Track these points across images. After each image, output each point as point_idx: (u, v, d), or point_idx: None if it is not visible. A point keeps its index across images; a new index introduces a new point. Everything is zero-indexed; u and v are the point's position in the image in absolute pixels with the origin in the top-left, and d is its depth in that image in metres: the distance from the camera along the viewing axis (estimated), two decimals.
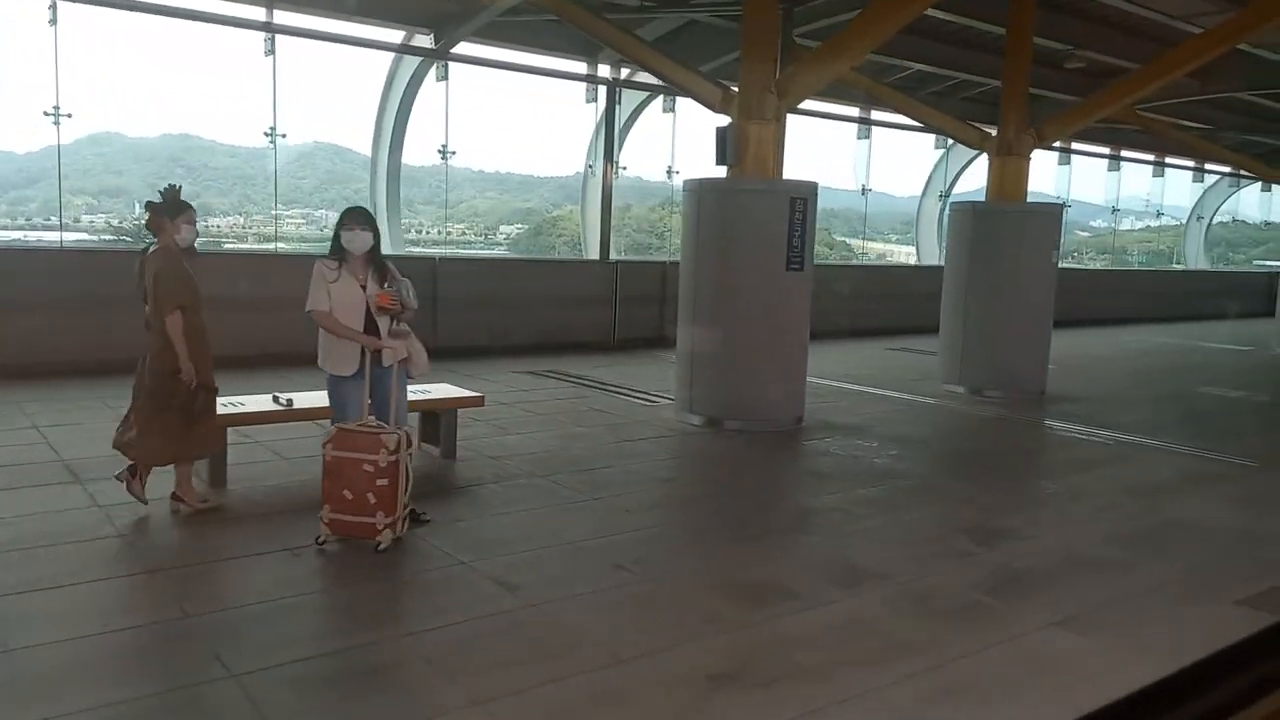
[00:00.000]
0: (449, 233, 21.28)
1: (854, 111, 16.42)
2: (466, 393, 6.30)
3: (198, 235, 4.94)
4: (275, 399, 5.67)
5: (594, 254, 13.44)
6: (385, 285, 4.73)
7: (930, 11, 12.46)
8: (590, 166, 13.59)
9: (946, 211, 15.79)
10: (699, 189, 7.68)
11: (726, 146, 7.64)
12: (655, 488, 5.70)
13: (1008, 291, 9.57)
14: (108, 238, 14.92)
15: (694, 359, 7.77)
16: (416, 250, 14.03)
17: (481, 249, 20.22)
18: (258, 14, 10.11)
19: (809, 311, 7.86)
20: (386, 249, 13.03)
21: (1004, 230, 9.60)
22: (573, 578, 4.13)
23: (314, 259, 4.76)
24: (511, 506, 5.17)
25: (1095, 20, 12.99)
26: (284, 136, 10.41)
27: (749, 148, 7.60)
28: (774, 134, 7.72)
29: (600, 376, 9.94)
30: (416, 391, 6.24)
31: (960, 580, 4.34)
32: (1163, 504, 5.78)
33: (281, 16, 10.25)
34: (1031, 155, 9.74)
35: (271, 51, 10.24)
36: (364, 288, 4.68)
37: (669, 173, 14.12)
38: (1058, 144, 19.68)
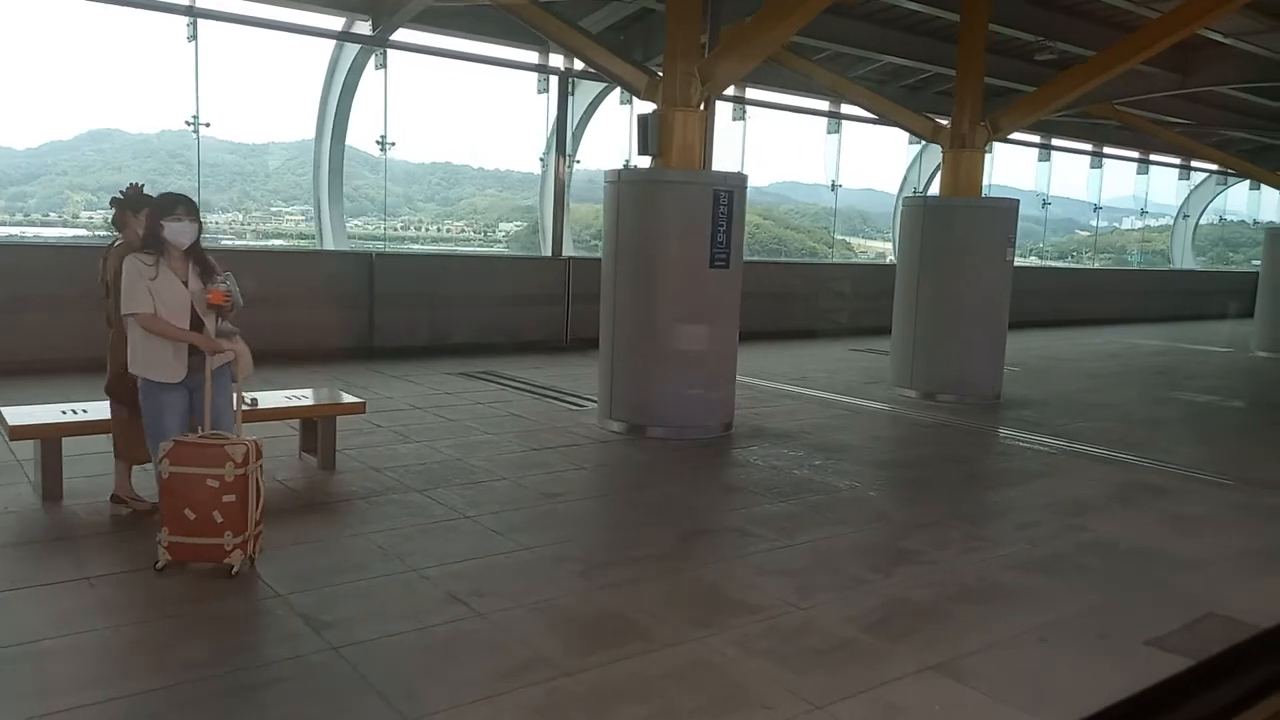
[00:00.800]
0: (447, 230, 20.95)
1: (824, 105, 15.98)
2: (347, 398, 5.84)
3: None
4: None
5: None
6: (219, 280, 4.28)
7: (903, 3, 12.06)
8: (542, 159, 13.12)
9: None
10: (617, 180, 7.22)
11: (649, 135, 7.18)
12: (540, 504, 5.24)
13: (960, 290, 9.10)
14: (103, 234, 14.83)
15: (614, 362, 7.32)
16: (362, 244, 13.54)
17: (480, 247, 19.94)
18: None
19: (737, 311, 7.40)
20: (329, 244, 12.70)
21: (957, 226, 9.13)
22: (398, 613, 3.67)
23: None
24: (368, 526, 4.71)
25: (1067, 11, 12.56)
26: (208, 126, 9.93)
27: (673, 137, 7.13)
28: (701, 122, 7.25)
29: (537, 379, 9.49)
30: (295, 397, 5.80)
31: (842, 613, 3.89)
32: (1092, 523, 5.32)
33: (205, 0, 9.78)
34: (986, 148, 9.28)
35: (194, 37, 9.78)
36: (186, 284, 4.21)
37: (626, 167, 13.65)
38: (1038, 139, 19.28)
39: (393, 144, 11.54)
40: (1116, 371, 12.38)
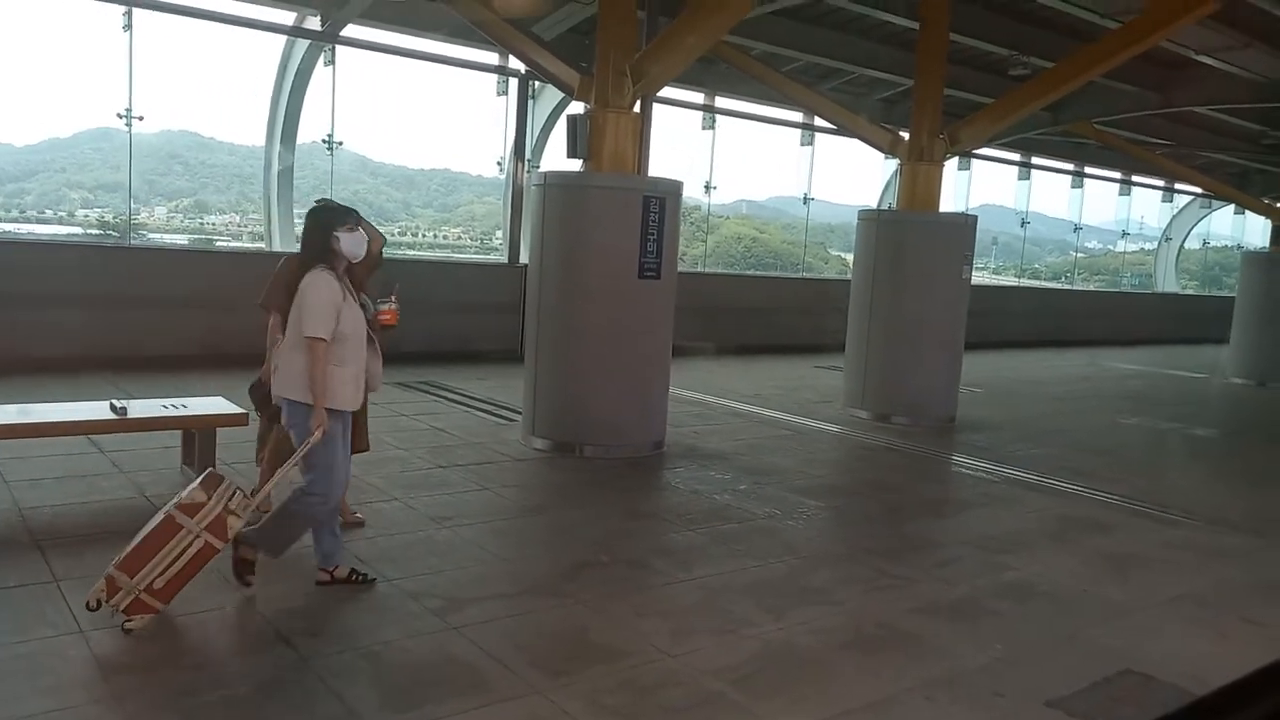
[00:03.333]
0: (444, 236, 20.69)
1: (798, 117, 15.67)
2: (230, 409, 5.44)
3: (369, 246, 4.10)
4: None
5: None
6: (390, 300, 4.03)
7: (875, 14, 11.75)
8: (500, 163, 12.77)
9: None
10: (544, 184, 6.86)
11: (577, 137, 6.83)
12: (422, 530, 4.85)
13: (914, 308, 8.74)
14: (94, 232, 14.71)
15: (537, 375, 6.95)
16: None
17: (477, 254, 19.73)
18: None
19: (669, 325, 7.04)
20: (278, 247, 12.33)
21: (912, 242, 8.79)
22: (207, 657, 3.28)
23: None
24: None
25: (1040, 24, 12.26)
26: (141, 119, 9.54)
27: (604, 139, 6.79)
28: (634, 124, 6.90)
29: (476, 390, 9.12)
30: (172, 406, 5.41)
31: (713, 663, 3.50)
32: (1017, 561, 4.94)
33: None
34: (945, 161, 8.94)
35: (129, 27, 9.42)
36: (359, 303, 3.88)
37: None
38: (1018, 157, 18.99)
39: (340, 143, 11.16)
40: (1083, 395, 12.03)
